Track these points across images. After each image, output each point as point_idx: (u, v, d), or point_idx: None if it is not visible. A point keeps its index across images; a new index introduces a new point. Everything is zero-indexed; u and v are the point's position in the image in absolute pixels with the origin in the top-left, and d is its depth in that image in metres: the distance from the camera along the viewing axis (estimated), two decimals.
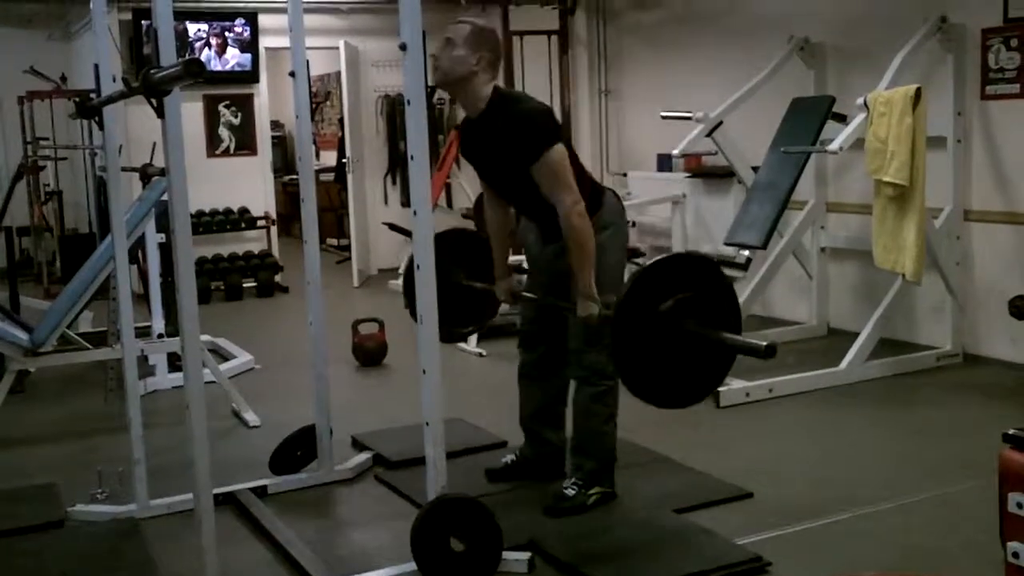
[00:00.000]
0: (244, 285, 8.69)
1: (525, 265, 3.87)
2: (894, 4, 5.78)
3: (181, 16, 8.20)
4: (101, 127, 3.70)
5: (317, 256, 3.83)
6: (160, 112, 2.63)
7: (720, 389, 4.53)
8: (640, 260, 6.80)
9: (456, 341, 5.49)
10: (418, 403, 2.98)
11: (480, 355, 5.91)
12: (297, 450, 4.01)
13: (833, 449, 4.28)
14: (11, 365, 4.69)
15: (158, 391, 5.39)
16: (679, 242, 6.96)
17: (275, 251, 9.19)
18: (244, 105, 9.03)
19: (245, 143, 9.09)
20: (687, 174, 7.14)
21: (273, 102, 9.67)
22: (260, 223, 9.17)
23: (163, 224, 5.06)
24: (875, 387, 5.11)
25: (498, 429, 4.39)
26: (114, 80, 3.57)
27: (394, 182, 9.90)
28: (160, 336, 5.21)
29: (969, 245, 5.53)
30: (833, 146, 5.16)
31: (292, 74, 3.78)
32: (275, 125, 11.40)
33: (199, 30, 8.66)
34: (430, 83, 3.70)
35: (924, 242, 5.02)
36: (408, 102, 2.86)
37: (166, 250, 4.94)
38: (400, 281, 6.46)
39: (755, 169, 6.04)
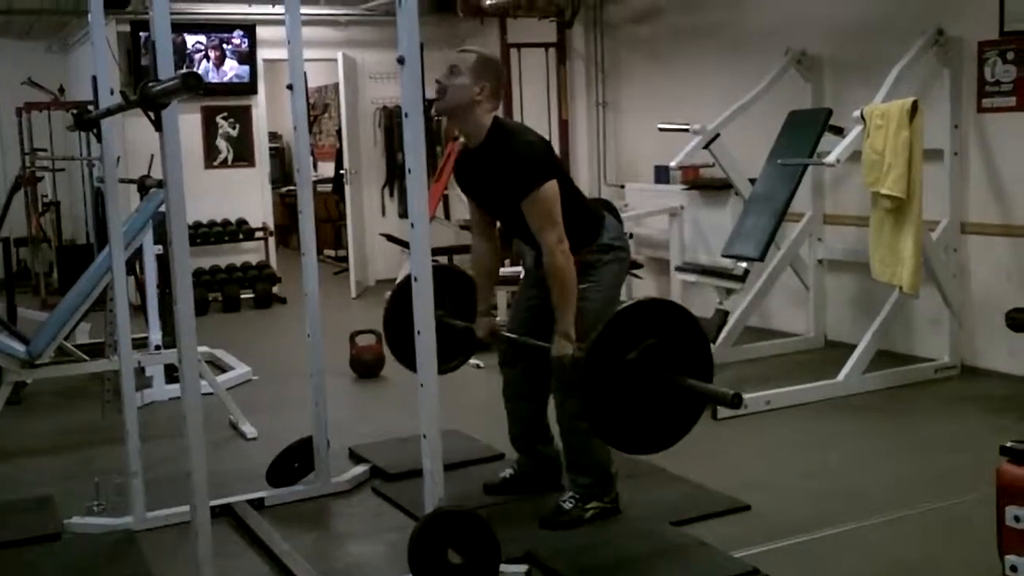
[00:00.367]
0: (242, 296, 8.68)
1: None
2: (891, 17, 5.80)
3: (179, 28, 8.21)
4: (99, 139, 3.70)
5: (315, 267, 3.83)
6: (158, 125, 2.64)
7: None
8: (638, 271, 6.84)
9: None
10: (415, 415, 2.97)
11: (477, 367, 5.90)
12: (294, 462, 4.01)
13: (830, 461, 4.27)
14: (8, 376, 4.67)
15: (155, 403, 5.37)
16: (676, 254, 6.96)
17: (273, 262, 9.20)
18: (242, 117, 9.06)
19: (243, 155, 9.11)
20: (684, 186, 7.14)
21: (271, 114, 9.70)
22: (258, 234, 9.19)
23: (161, 235, 5.07)
24: (873, 399, 5.10)
25: (495, 441, 4.38)
26: (112, 92, 3.56)
27: (392, 193, 9.92)
28: (157, 348, 5.22)
29: (966, 257, 5.54)
30: (830, 158, 5.18)
31: (290, 86, 3.79)
32: (273, 137, 11.43)
33: (197, 42, 8.70)
34: (432, 114, 3.73)
35: (921, 254, 5.02)
36: (406, 114, 2.85)
37: (163, 261, 4.93)
38: None
39: (752, 181, 6.05)
